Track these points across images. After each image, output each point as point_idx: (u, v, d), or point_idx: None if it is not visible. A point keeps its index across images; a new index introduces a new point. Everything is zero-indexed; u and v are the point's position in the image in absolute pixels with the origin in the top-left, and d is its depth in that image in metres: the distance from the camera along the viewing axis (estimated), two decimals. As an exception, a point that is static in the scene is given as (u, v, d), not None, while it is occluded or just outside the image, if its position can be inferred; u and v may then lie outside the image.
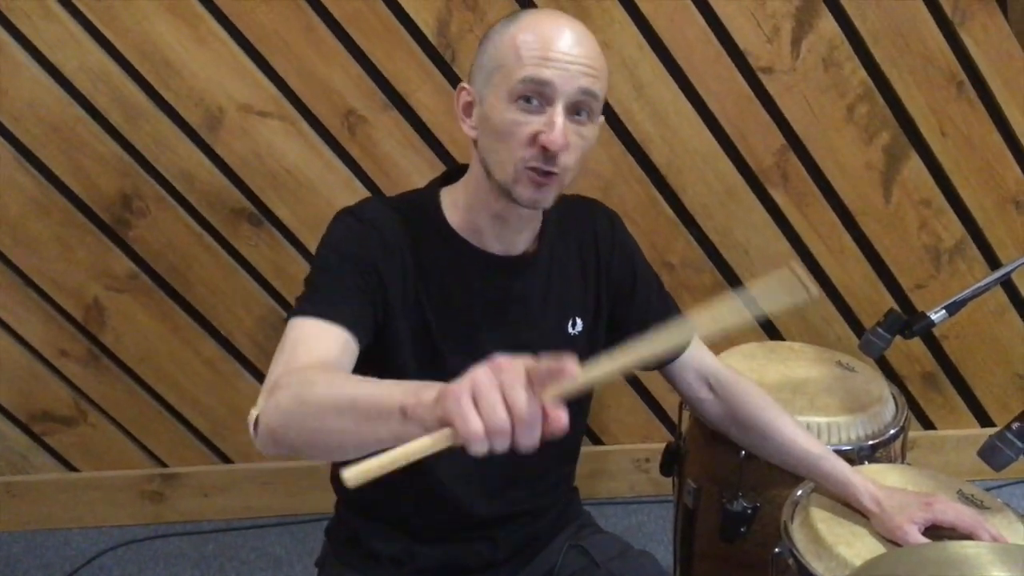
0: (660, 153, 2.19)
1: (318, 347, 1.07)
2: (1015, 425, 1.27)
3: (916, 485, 1.33)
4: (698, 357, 1.41)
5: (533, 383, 0.75)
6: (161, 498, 2.40)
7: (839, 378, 1.63)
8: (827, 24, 2.10)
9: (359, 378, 1.01)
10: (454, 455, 0.96)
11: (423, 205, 1.24)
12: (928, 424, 2.51)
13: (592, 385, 0.79)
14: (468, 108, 1.17)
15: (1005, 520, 1.25)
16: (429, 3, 2.01)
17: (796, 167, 2.22)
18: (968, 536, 1.19)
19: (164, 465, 2.39)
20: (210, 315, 2.25)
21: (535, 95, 1.09)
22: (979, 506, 1.28)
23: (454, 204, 1.23)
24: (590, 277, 1.32)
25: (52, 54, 1.99)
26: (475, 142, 1.17)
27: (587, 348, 1.32)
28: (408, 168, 2.13)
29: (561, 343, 1.29)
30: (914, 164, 2.23)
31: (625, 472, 2.49)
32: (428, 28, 2.03)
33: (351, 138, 2.11)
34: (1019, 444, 1.26)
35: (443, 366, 1.21)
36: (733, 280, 2.32)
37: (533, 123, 1.09)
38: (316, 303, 1.13)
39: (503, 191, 1.14)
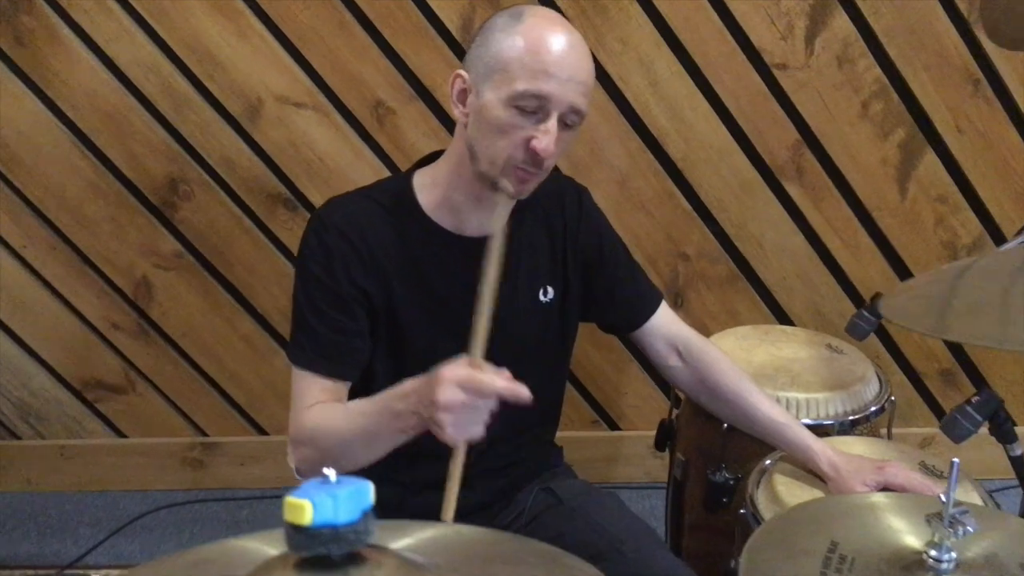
0: (676, 147, 2.27)
1: (320, 399, 1.31)
2: (975, 399, 1.32)
3: (880, 455, 1.38)
4: (666, 324, 1.49)
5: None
6: (201, 465, 2.56)
7: (825, 359, 1.69)
8: (841, 22, 2.15)
9: (356, 413, 1.25)
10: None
11: (397, 190, 1.36)
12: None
13: None
14: (462, 95, 1.27)
15: (962, 490, 1.30)
16: (454, 1, 2.13)
17: (811, 162, 2.27)
18: None
19: (204, 434, 2.55)
20: (248, 294, 2.40)
21: (535, 105, 1.19)
22: (938, 476, 1.33)
23: (431, 184, 1.35)
24: (558, 247, 1.42)
25: (108, 47, 2.16)
26: (465, 126, 1.27)
27: (559, 314, 1.42)
28: (433, 157, 2.25)
29: (535, 311, 1.39)
30: (930, 160, 2.26)
31: (640, 457, 2.56)
32: (453, 25, 2.15)
33: (380, 128, 2.24)
34: (978, 417, 1.32)
35: (424, 342, 1.36)
36: (748, 271, 2.38)
37: (527, 129, 1.21)
38: (310, 355, 1.32)
39: (486, 179, 1.26)
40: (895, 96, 2.21)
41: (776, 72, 2.19)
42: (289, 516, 0.52)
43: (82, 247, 2.35)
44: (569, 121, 1.22)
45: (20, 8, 2.12)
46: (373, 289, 1.31)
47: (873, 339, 2.43)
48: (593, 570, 0.67)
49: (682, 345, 1.50)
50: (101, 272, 2.37)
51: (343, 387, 1.32)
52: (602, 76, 2.18)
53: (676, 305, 2.41)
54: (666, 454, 2.39)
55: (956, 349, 2.44)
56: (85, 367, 2.47)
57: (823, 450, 1.35)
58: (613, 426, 2.56)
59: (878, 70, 2.19)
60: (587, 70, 1.23)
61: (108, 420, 2.53)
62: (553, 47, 1.19)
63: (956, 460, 0.84)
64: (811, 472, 1.36)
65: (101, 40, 2.16)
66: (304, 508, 0.51)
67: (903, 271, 2.36)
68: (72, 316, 2.41)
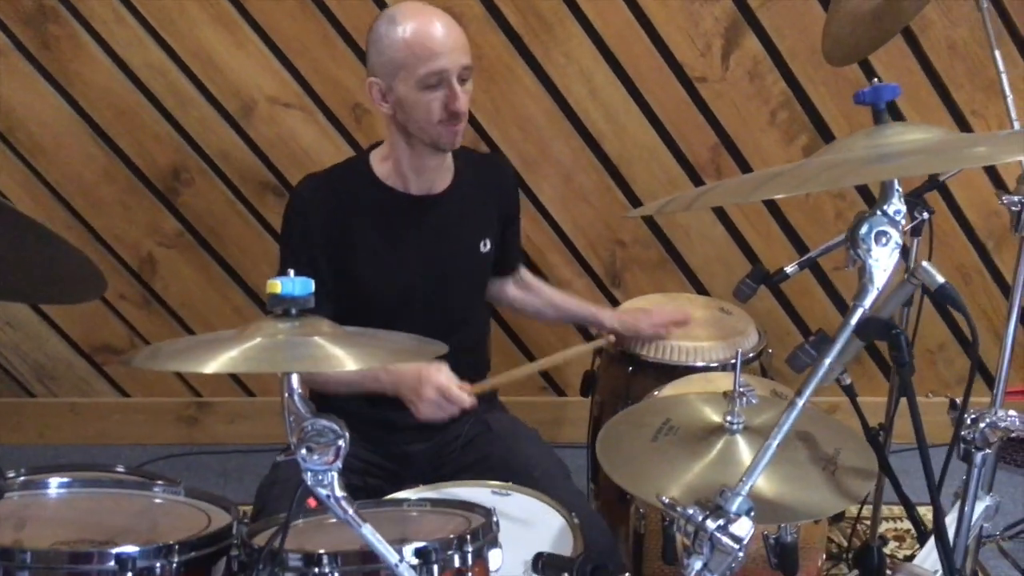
0: (612, 147, 2.63)
1: None
2: (811, 339, 1.68)
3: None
4: (519, 270, 2.01)
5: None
6: (195, 422, 2.90)
7: (716, 318, 2.05)
8: (751, 42, 2.52)
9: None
10: None
11: (355, 166, 1.77)
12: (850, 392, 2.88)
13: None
14: (381, 96, 1.66)
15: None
16: (421, 18, 2.49)
17: (728, 162, 2.63)
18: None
19: (199, 395, 2.89)
20: (240, 270, 2.75)
21: (436, 80, 1.56)
22: (784, 398, 1.69)
23: (382, 158, 1.74)
24: (492, 205, 1.82)
25: (122, 52, 2.51)
26: (393, 117, 1.66)
27: (493, 258, 1.84)
28: (402, 152, 2.61)
29: (476, 258, 1.81)
30: (830, 162, 2.63)
31: (584, 420, 2.90)
32: (420, 39, 2.51)
33: (357, 127, 2.60)
34: (813, 353, 1.67)
35: (387, 279, 1.73)
36: (676, 256, 2.74)
37: (440, 97, 1.60)
38: None
39: (428, 144, 1.65)
40: (798, 106, 2.58)
41: (697, 84, 2.56)
42: (270, 289, 0.89)
43: (95, 226, 2.69)
44: (464, 76, 1.61)
45: (48, 18, 2.47)
46: (338, 239, 1.69)
47: (783, 316, 2.80)
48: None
49: (521, 281, 2.04)
50: (111, 248, 2.71)
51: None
52: (548, 85, 2.55)
53: (614, 285, 2.77)
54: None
55: (856, 327, 2.80)
56: (95, 333, 2.81)
57: (607, 313, 1.93)
58: (560, 392, 2.91)
59: (783, 84, 2.56)
60: (459, 33, 1.62)
61: (114, 381, 2.87)
62: (429, 32, 1.58)
63: (740, 350, 1.20)
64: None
65: (117, 46, 2.51)
66: (277, 284, 0.89)
67: (808, 257, 2.72)
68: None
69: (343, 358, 0.86)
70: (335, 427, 0.84)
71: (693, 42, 2.52)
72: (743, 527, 0.82)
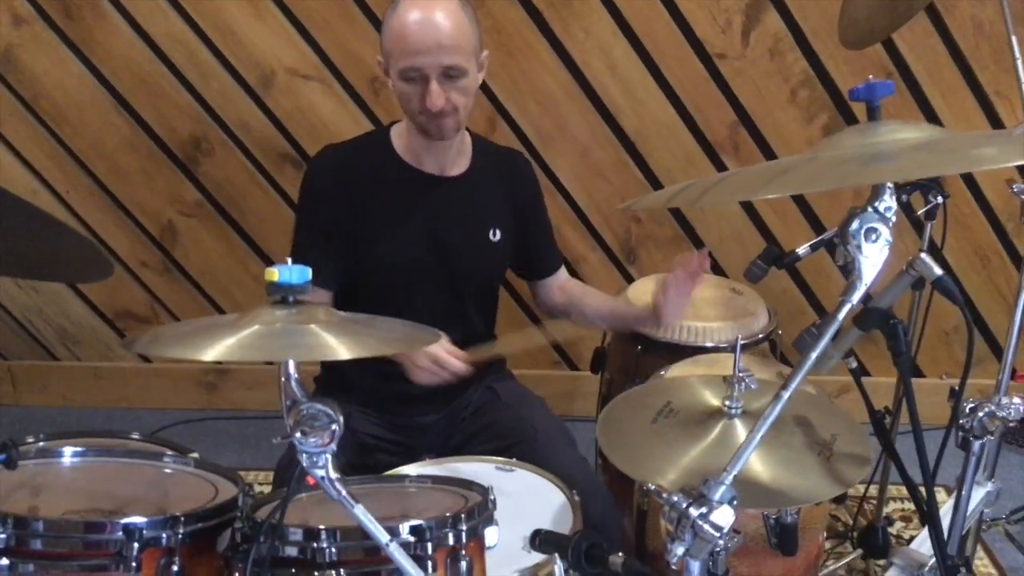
0: (630, 123, 2.62)
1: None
2: (817, 323, 1.69)
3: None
4: (562, 276, 1.99)
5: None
6: (214, 388, 2.96)
7: (726, 298, 2.06)
8: (772, 19, 2.50)
9: None
10: None
11: (375, 139, 1.79)
12: (864, 371, 2.88)
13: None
14: (384, 73, 1.68)
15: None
16: (440, -9, 2.49)
17: (746, 140, 2.62)
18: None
19: (217, 362, 2.94)
20: (258, 239, 2.78)
21: (415, 75, 1.58)
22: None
23: (400, 134, 1.76)
24: (506, 196, 1.84)
25: (144, 22, 2.53)
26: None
27: (506, 251, 1.85)
28: (419, 126, 2.62)
29: (486, 248, 1.82)
30: (849, 142, 2.61)
31: (595, 395, 2.93)
32: (439, 12, 2.51)
33: (375, 99, 2.61)
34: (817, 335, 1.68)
35: (395, 250, 1.75)
36: (691, 233, 2.74)
37: (418, 92, 1.60)
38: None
39: (418, 129, 1.68)
40: (819, 85, 2.56)
41: (716, 61, 2.54)
42: (267, 278, 0.91)
43: (117, 194, 2.73)
44: (450, 74, 1.59)
45: (71, -13, 2.50)
46: (351, 208, 1.72)
47: (799, 296, 2.80)
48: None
49: (569, 289, 1.99)
50: (132, 216, 2.75)
51: (320, 292, 1.72)
52: (566, 60, 2.54)
53: (629, 261, 2.78)
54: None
55: (872, 307, 2.79)
56: (117, 299, 2.86)
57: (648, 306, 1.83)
58: (573, 367, 2.93)
59: (804, 62, 2.54)
60: (447, 34, 1.56)
61: (135, 346, 2.92)
62: (412, 28, 1.56)
63: (739, 336, 1.21)
64: None
65: (138, 16, 2.53)
66: (274, 273, 0.91)
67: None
68: (107, 254, 2.79)
69: (337, 347, 0.89)
70: (329, 411, 0.87)
71: (714, 18, 2.50)
72: (725, 515, 0.84)
